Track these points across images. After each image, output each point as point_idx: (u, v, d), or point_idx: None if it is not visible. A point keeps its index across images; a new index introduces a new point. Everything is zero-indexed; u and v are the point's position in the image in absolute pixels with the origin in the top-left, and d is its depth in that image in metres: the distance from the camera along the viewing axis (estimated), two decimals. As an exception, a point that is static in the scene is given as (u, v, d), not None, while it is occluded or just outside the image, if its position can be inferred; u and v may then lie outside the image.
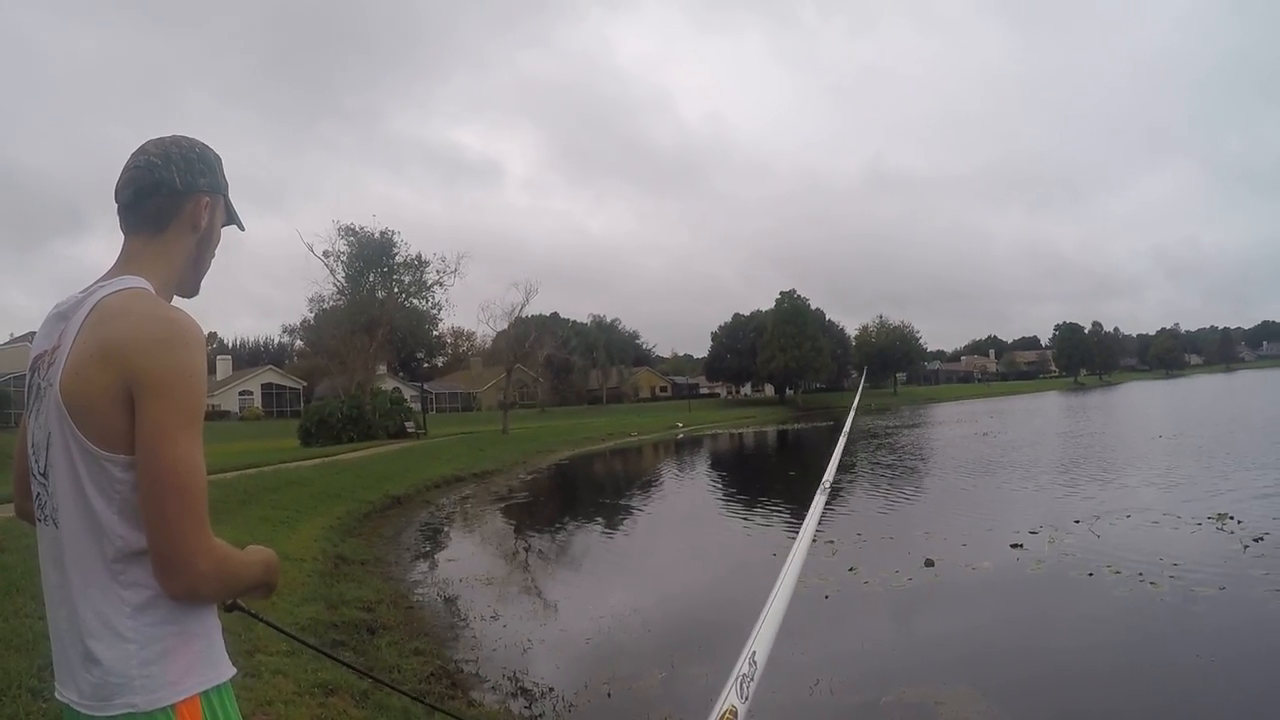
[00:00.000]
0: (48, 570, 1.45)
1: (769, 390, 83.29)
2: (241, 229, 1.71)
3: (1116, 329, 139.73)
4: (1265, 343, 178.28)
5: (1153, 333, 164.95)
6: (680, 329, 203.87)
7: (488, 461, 25.27)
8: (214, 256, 1.64)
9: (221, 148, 1.64)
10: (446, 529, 14.68)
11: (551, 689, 5.92)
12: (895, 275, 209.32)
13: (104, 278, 1.48)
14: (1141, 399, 55.37)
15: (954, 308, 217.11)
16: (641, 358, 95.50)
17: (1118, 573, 8.32)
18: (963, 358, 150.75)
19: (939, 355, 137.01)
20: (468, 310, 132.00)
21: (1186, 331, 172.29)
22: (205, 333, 1.51)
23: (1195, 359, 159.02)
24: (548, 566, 11.30)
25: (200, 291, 1.62)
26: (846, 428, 4.48)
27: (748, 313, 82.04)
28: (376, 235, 38.21)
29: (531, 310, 45.80)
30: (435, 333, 55.58)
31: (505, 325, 42.54)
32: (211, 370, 67.43)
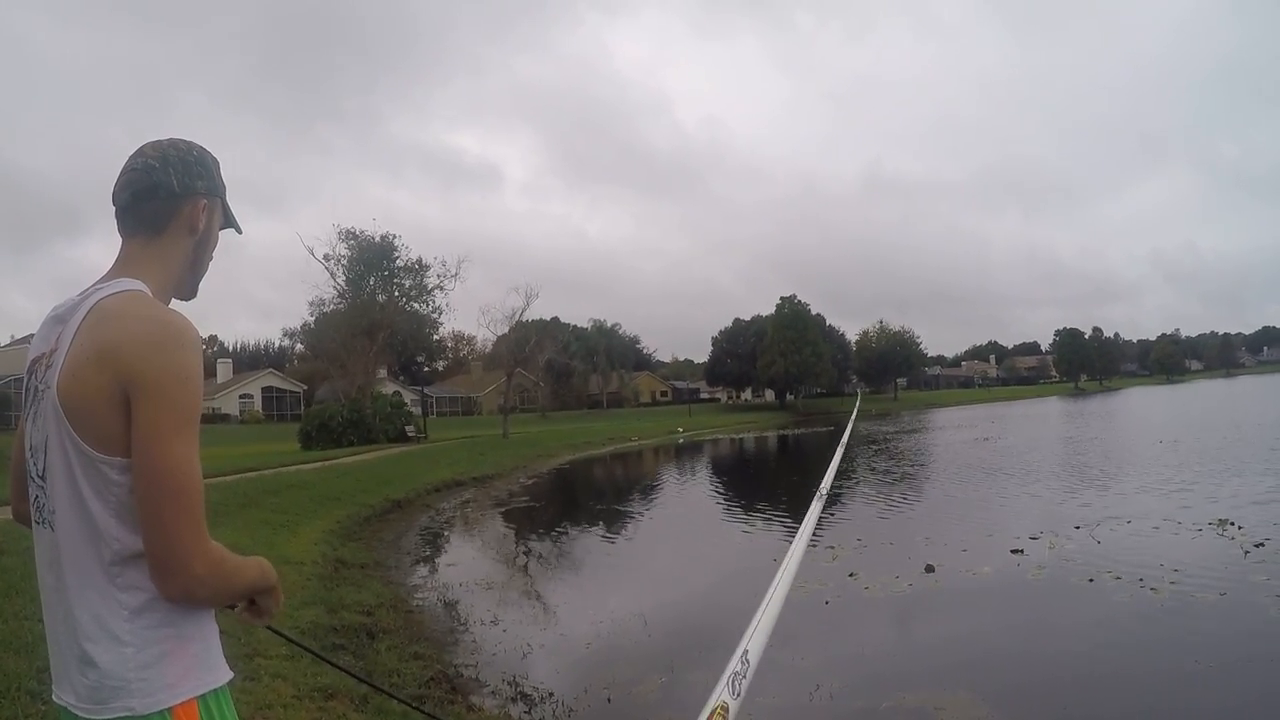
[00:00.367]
0: (44, 573, 1.45)
1: (769, 395, 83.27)
2: (239, 232, 1.71)
3: (1117, 334, 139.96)
4: (1266, 348, 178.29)
5: (1153, 338, 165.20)
6: (680, 333, 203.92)
7: (488, 466, 25.26)
8: (212, 259, 1.64)
9: (219, 150, 1.64)
10: (446, 533, 14.67)
11: (551, 694, 5.91)
12: (894, 280, 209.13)
13: (101, 280, 1.48)
14: (1142, 404, 55.34)
15: (953, 313, 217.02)
16: (642, 362, 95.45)
17: (1118, 578, 8.31)
18: (963, 363, 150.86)
19: (939, 360, 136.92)
20: (468, 314, 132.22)
21: (1187, 337, 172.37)
22: (206, 335, 1.52)
23: (1196, 364, 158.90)
24: (548, 571, 11.28)
25: (198, 294, 1.62)
26: (844, 439, 4.53)
27: (748, 317, 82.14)
28: (377, 239, 38.24)
29: (532, 314, 45.88)
30: (436, 337, 55.65)
31: (505, 329, 42.58)
32: (212, 373, 67.44)
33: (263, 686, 4.75)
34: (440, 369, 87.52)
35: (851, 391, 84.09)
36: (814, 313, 77.09)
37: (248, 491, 14.40)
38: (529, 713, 5.61)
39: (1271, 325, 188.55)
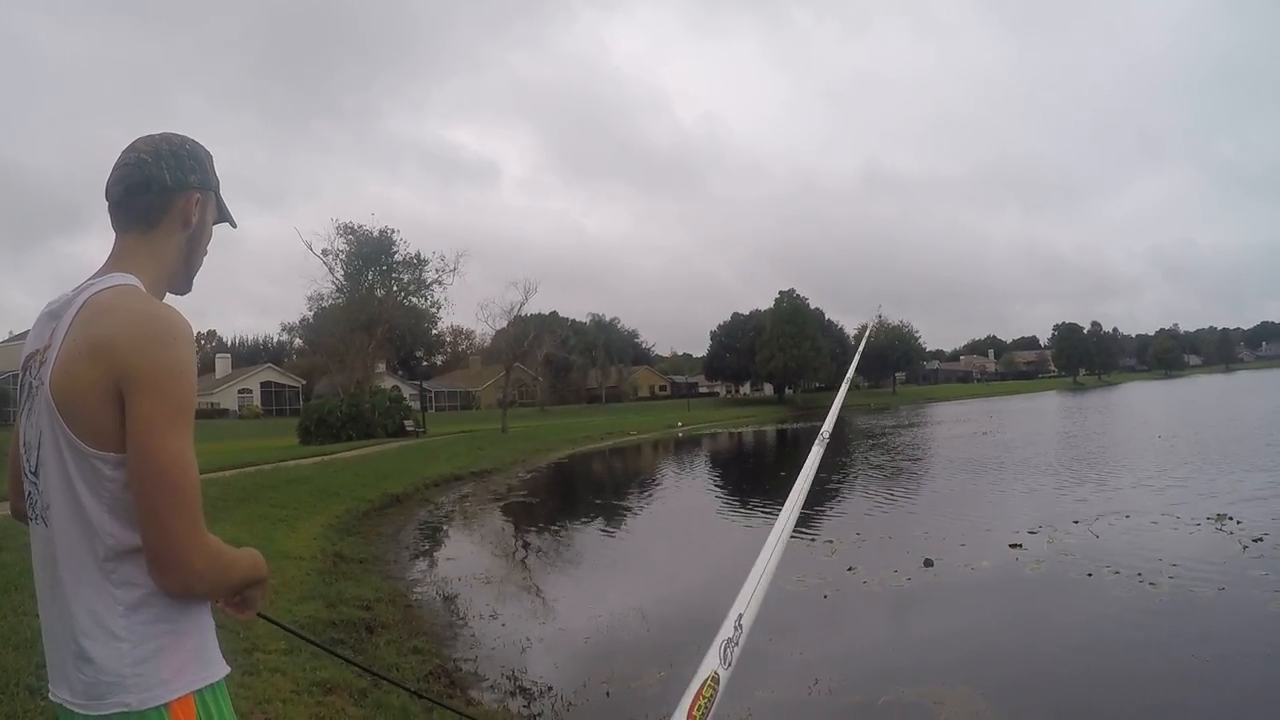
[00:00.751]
0: (40, 569, 1.44)
1: (768, 390, 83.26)
2: (233, 226, 1.71)
3: (1115, 329, 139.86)
4: (1264, 343, 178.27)
5: (1151, 333, 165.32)
6: (679, 328, 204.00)
7: (486, 460, 25.25)
8: (206, 253, 1.63)
9: (217, 147, 1.64)
10: (445, 527, 14.67)
11: (550, 688, 5.91)
12: (893, 275, 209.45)
13: (95, 276, 1.48)
14: (1140, 399, 55.38)
15: (952, 308, 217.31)
16: (640, 357, 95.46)
17: (1116, 573, 8.32)
18: (962, 357, 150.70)
19: (938, 355, 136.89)
20: (466, 309, 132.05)
21: (1186, 332, 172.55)
22: (204, 331, 1.52)
23: (1194, 359, 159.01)
24: (546, 565, 11.29)
25: (193, 289, 1.62)
26: (850, 373, 4.50)
27: (747, 312, 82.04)
28: (375, 233, 38.27)
29: (530, 309, 45.90)
30: (434, 331, 55.59)
31: (504, 324, 42.61)
32: (210, 368, 67.44)
33: (261, 681, 4.75)
34: (439, 363, 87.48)
35: (852, 385, 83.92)
36: (813, 307, 77.11)
37: (246, 486, 14.41)
38: (528, 707, 5.61)
39: (1270, 321, 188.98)
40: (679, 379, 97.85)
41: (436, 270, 39.13)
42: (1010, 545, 9.95)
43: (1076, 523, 11.10)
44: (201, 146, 1.61)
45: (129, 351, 1.33)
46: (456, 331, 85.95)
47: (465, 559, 11.37)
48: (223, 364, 70.05)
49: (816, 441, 3.34)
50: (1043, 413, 44.94)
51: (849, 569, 9.10)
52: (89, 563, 1.36)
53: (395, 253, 38.61)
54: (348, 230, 37.88)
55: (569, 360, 72.24)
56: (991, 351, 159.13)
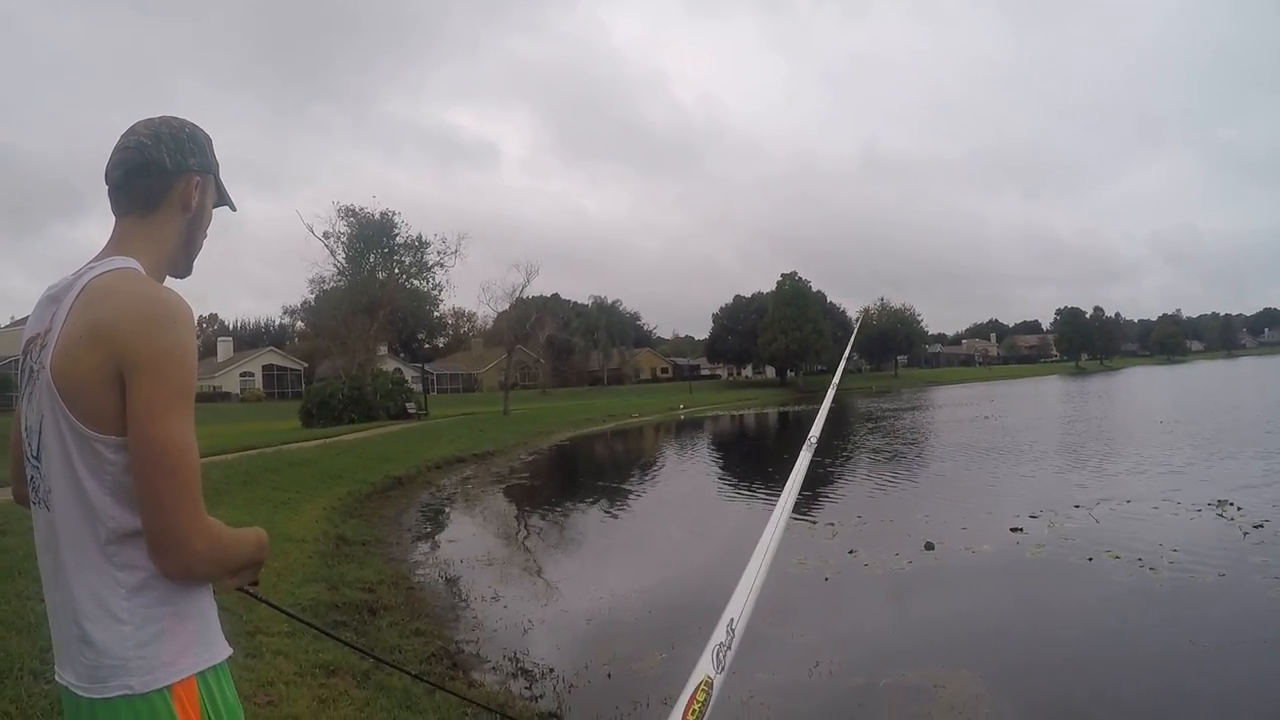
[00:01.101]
0: (43, 553, 1.45)
1: (770, 372, 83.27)
2: (233, 209, 1.70)
3: (1118, 314, 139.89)
4: (1267, 329, 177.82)
5: (1154, 318, 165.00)
6: (681, 310, 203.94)
7: (489, 442, 25.30)
8: (206, 237, 1.63)
9: (215, 130, 1.62)
10: (447, 510, 14.72)
11: (552, 669, 5.94)
12: (893, 258, 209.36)
13: (95, 259, 1.47)
14: (1143, 384, 55.35)
15: (953, 291, 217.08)
16: (642, 339, 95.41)
17: (1117, 558, 8.34)
18: (964, 341, 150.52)
19: (940, 338, 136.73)
20: (468, 291, 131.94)
21: (1188, 317, 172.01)
22: (206, 314, 1.51)
23: (1197, 345, 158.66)
24: (548, 547, 11.33)
25: (193, 272, 1.61)
26: (836, 379, 4.49)
27: (749, 294, 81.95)
28: (376, 216, 38.10)
29: (532, 291, 45.87)
30: (436, 314, 55.44)
31: (506, 306, 42.62)
32: (212, 352, 67.54)
33: (264, 663, 4.77)
34: (441, 346, 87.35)
35: (852, 368, 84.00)
36: (814, 290, 76.99)
37: (249, 469, 14.45)
38: (530, 688, 5.64)
39: (1272, 307, 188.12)
40: (681, 361, 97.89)
41: (438, 253, 39.03)
42: (1011, 529, 9.97)
43: (1077, 507, 11.12)
44: (201, 129, 1.59)
45: (129, 335, 1.32)
46: (458, 314, 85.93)
47: (467, 541, 11.41)
48: (224, 347, 70.14)
49: (804, 447, 3.33)
50: (1044, 397, 44.94)
51: (850, 552, 9.13)
52: (91, 546, 1.36)
53: (396, 235, 38.49)
54: (349, 213, 37.75)
55: (571, 342, 72.27)
56: (993, 335, 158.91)
